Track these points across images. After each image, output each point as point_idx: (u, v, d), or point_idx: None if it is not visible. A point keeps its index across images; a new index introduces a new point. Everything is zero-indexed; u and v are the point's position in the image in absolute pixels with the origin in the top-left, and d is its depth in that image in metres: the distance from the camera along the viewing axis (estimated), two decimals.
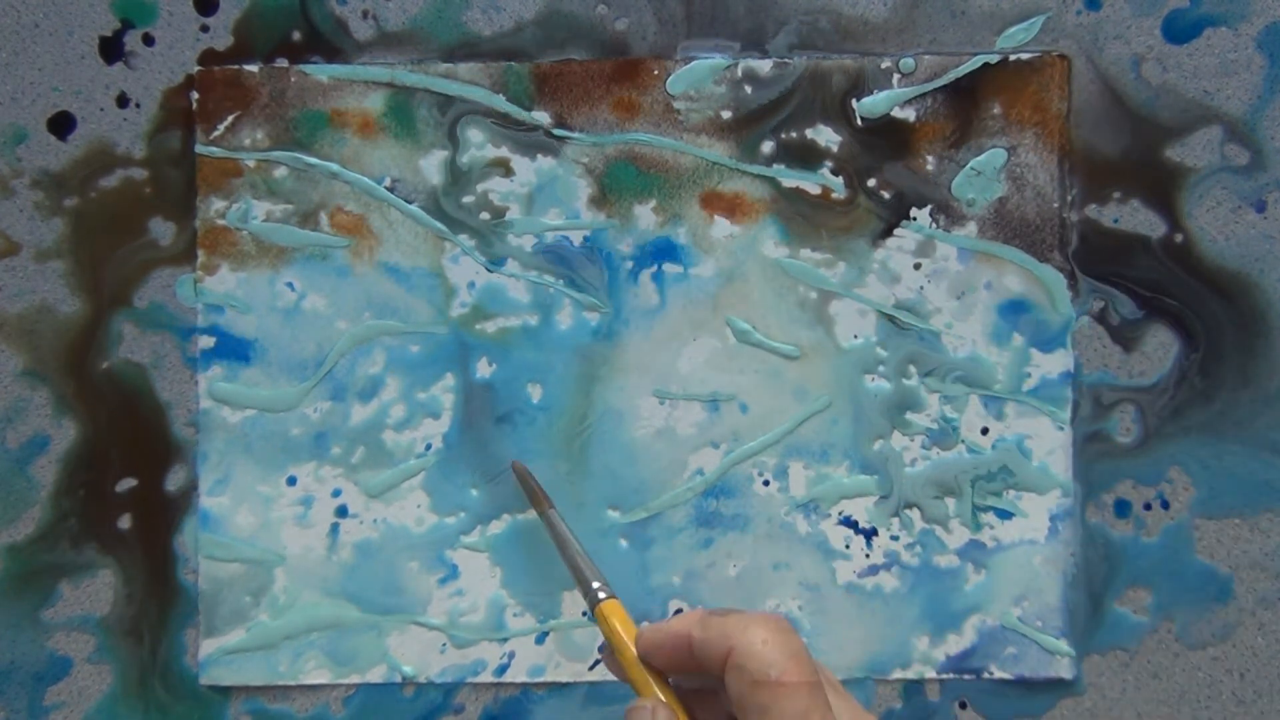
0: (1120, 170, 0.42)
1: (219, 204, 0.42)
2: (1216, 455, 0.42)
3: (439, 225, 0.42)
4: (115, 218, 0.42)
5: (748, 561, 0.42)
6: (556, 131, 0.42)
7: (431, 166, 0.42)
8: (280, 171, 0.42)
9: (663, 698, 0.31)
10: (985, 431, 0.42)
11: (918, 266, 0.42)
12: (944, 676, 0.41)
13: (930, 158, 0.42)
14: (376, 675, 0.42)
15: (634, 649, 0.32)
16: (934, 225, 0.42)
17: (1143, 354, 0.42)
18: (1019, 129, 0.41)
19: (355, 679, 0.42)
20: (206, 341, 0.42)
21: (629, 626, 0.34)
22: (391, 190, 0.42)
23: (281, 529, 0.42)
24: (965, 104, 0.41)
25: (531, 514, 0.42)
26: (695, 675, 0.32)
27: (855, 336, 0.42)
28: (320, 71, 0.42)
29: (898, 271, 0.42)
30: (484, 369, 0.42)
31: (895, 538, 0.42)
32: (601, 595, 0.35)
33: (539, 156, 0.42)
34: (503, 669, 0.42)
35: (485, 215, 0.42)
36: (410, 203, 0.42)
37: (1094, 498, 0.42)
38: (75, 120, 0.42)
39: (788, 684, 0.28)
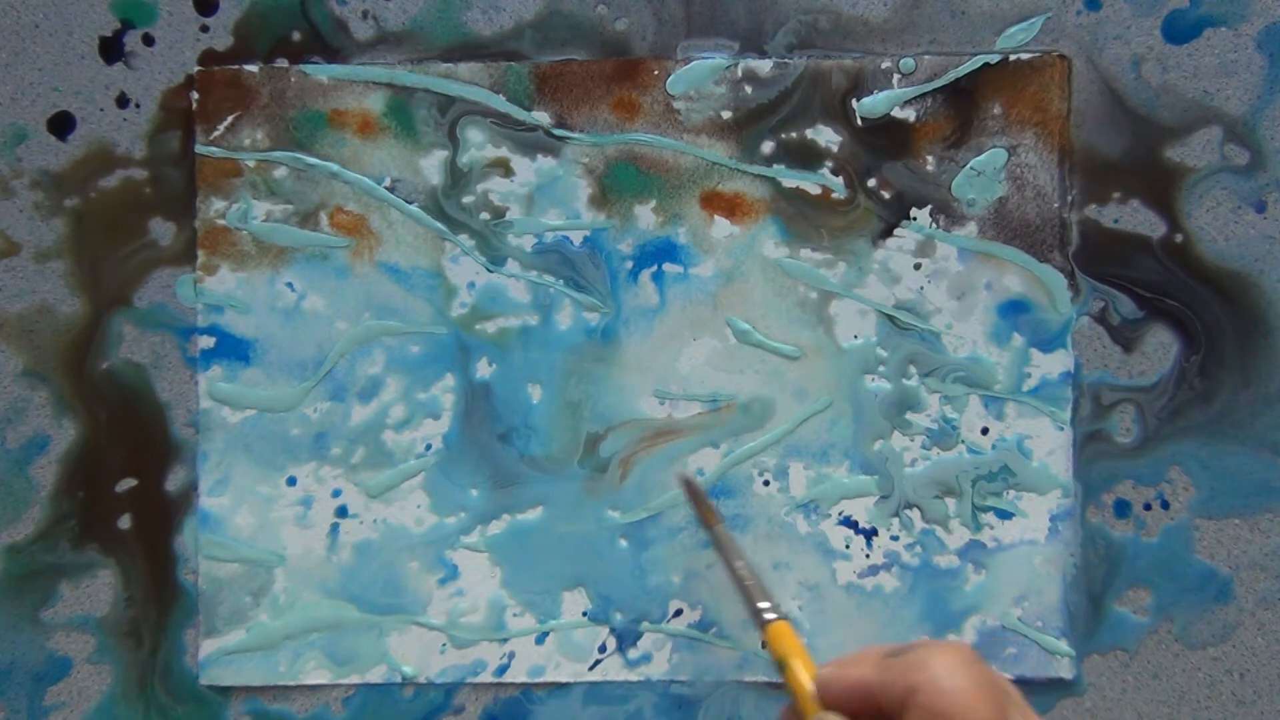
0: (1120, 170, 0.42)
1: (219, 204, 0.42)
2: (1216, 455, 0.42)
3: (439, 225, 0.42)
4: (115, 218, 0.42)
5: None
6: (556, 131, 0.42)
7: (431, 167, 0.42)
8: (280, 172, 0.42)
9: None
10: (985, 432, 0.42)
11: (918, 266, 0.42)
12: None
13: (930, 158, 0.42)
14: (376, 675, 0.42)
15: (807, 678, 0.32)
16: (934, 225, 0.42)
17: (1143, 354, 0.42)
18: (1019, 129, 0.41)
19: (355, 679, 0.42)
20: (206, 341, 0.42)
21: (799, 650, 0.33)
22: (391, 190, 0.42)
23: (281, 529, 0.42)
24: (965, 104, 0.41)
25: (531, 514, 0.42)
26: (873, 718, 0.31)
27: (855, 337, 0.42)
28: (320, 72, 0.42)
29: (898, 271, 0.42)
30: (484, 369, 0.42)
31: (895, 538, 0.42)
32: (770, 616, 0.35)
33: (539, 156, 0.42)
34: (503, 669, 0.42)
35: (485, 215, 0.42)
36: (410, 203, 0.42)
37: (1094, 498, 0.42)
38: (75, 120, 0.42)
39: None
